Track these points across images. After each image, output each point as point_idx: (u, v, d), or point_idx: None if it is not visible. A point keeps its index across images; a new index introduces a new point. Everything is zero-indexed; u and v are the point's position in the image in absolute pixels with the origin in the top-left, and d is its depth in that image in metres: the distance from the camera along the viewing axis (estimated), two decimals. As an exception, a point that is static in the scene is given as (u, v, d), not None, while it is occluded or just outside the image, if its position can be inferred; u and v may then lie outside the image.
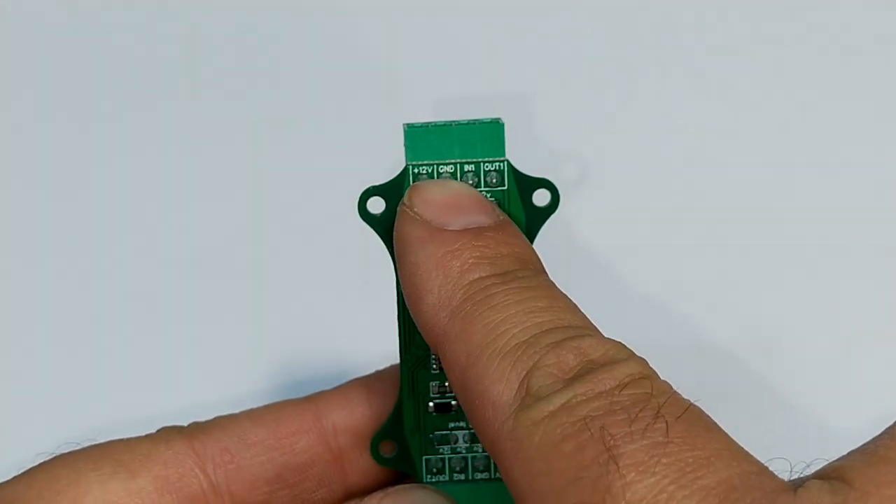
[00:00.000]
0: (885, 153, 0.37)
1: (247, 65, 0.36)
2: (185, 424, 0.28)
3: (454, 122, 0.27)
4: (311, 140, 0.36)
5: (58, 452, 0.26)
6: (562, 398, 0.19)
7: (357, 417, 0.28)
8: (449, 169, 0.26)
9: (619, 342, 0.21)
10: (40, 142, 0.36)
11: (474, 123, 0.26)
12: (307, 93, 0.36)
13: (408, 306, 0.24)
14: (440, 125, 0.26)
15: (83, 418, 0.32)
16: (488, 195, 0.26)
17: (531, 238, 0.27)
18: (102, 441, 0.27)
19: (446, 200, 0.25)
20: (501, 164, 0.26)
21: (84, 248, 0.35)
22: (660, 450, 0.18)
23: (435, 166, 0.26)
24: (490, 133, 0.26)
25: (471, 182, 0.26)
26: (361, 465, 0.28)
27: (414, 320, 0.24)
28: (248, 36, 0.37)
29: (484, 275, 0.23)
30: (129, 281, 0.35)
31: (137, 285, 0.35)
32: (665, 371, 0.20)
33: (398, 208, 0.25)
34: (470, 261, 0.23)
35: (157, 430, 0.27)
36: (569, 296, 0.23)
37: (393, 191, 0.27)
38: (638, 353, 0.21)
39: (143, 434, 0.27)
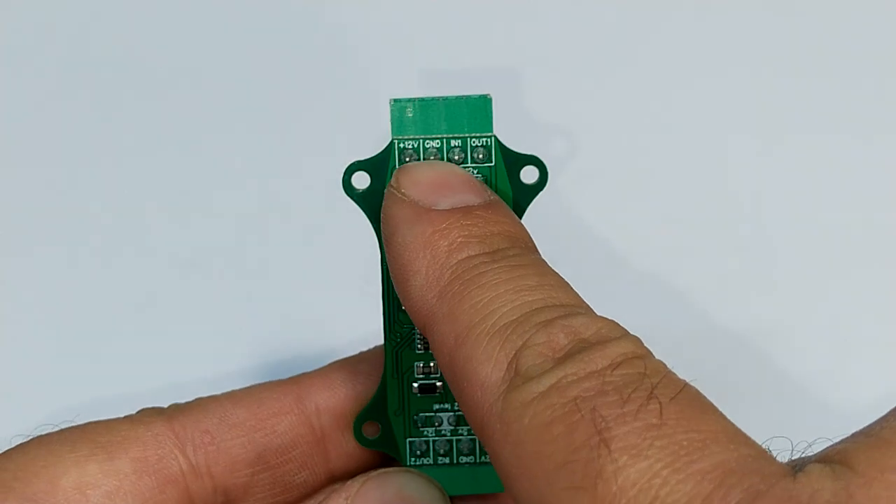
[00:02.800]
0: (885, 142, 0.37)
1: (227, 45, 0.36)
2: (166, 406, 0.27)
3: (441, 97, 0.26)
4: (295, 117, 0.35)
5: (35, 434, 0.26)
6: (552, 378, 0.19)
7: (340, 399, 0.27)
8: (435, 144, 0.26)
9: (612, 320, 0.20)
10: (26, 139, 0.36)
11: (462, 98, 0.26)
12: (292, 70, 0.36)
13: (395, 288, 0.24)
14: (427, 100, 0.26)
15: (61, 400, 0.32)
16: (475, 171, 0.26)
17: (519, 215, 0.26)
18: (81, 423, 0.26)
19: (434, 180, 0.24)
20: (489, 140, 0.26)
21: (60, 230, 0.35)
22: (653, 432, 0.17)
23: (421, 141, 0.26)
24: (477, 108, 0.26)
25: (457, 158, 0.26)
26: (344, 448, 0.27)
27: (402, 302, 0.23)
28: (229, 16, 0.36)
29: (472, 254, 0.22)
30: (110, 262, 0.34)
31: (118, 266, 0.34)
32: (660, 352, 0.20)
33: (386, 190, 0.24)
34: (458, 240, 0.22)
35: (137, 412, 0.27)
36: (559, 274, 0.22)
37: (378, 166, 0.26)
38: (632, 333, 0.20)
39: (123, 415, 0.27)
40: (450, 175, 0.24)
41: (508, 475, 0.19)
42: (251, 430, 0.27)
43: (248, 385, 0.28)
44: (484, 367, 0.20)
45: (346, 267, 0.33)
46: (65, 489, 0.25)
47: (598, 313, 0.21)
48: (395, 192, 0.24)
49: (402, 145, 0.26)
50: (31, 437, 0.26)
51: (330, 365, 0.28)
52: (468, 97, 0.26)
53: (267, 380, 0.28)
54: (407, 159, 0.26)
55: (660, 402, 0.18)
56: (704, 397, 0.19)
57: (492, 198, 0.24)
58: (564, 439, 0.18)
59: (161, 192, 0.35)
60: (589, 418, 0.18)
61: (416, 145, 0.26)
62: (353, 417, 0.27)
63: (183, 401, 0.27)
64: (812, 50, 0.36)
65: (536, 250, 0.23)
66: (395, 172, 0.25)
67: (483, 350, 0.20)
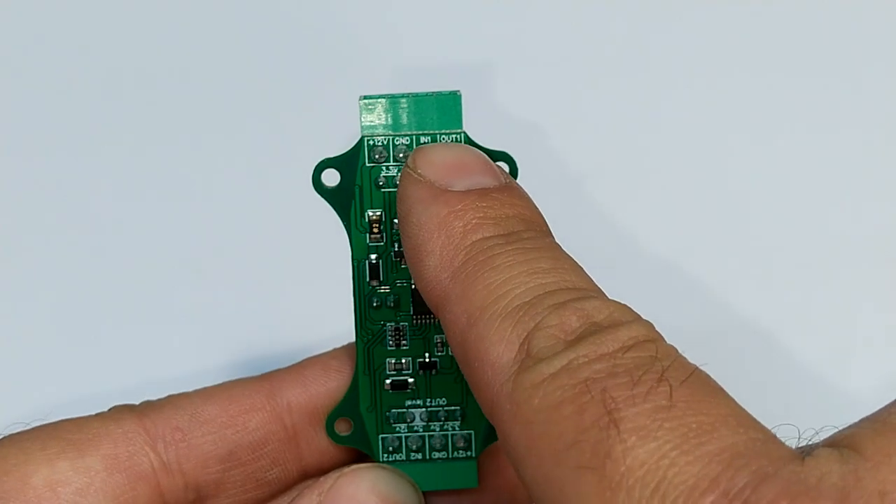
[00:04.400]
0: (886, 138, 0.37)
1: (204, 45, 0.35)
2: (137, 403, 0.27)
3: (411, 93, 0.26)
4: (267, 116, 0.35)
5: (5, 433, 0.26)
6: (563, 360, 0.19)
7: (312, 395, 0.27)
8: (405, 141, 0.26)
9: (624, 304, 0.21)
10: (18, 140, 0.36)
11: (431, 95, 0.26)
12: (264, 69, 0.35)
13: (409, 268, 0.23)
14: (396, 97, 0.26)
15: (32, 399, 0.32)
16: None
17: None
18: (52, 421, 0.26)
19: (451, 162, 0.24)
20: (459, 137, 0.26)
21: (33, 225, 0.34)
22: (662, 414, 0.17)
23: (391, 138, 0.26)
24: (447, 105, 0.26)
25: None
26: (317, 445, 0.27)
27: (415, 282, 0.23)
28: (204, 16, 0.36)
29: (487, 235, 0.22)
30: (81, 258, 0.34)
31: (91, 262, 0.34)
32: (671, 339, 0.20)
33: (402, 170, 0.24)
34: (473, 221, 0.22)
35: (109, 409, 0.27)
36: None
37: (347, 163, 0.26)
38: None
39: (94, 413, 0.27)
40: (466, 157, 0.24)
41: (517, 456, 0.19)
42: (222, 426, 0.27)
43: (220, 382, 0.28)
44: (495, 348, 0.20)
45: (318, 264, 0.33)
46: (35, 487, 0.25)
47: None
48: (410, 172, 0.24)
49: (371, 142, 0.26)
50: (1, 436, 0.26)
51: (302, 362, 0.28)
52: (438, 93, 0.26)
53: (239, 376, 0.28)
54: (376, 157, 0.26)
55: (670, 385, 0.18)
56: (714, 381, 0.19)
57: (507, 181, 0.24)
58: (574, 420, 0.18)
59: (134, 189, 0.35)
60: (599, 399, 0.18)
61: (385, 142, 0.26)
62: (326, 414, 0.27)
63: (156, 398, 0.27)
64: (809, 47, 0.36)
65: (551, 234, 0.23)
66: (412, 153, 0.24)
67: (495, 331, 0.20)
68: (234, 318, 0.34)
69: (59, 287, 0.34)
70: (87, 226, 0.34)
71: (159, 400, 0.27)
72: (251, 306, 0.34)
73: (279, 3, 0.35)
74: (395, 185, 0.26)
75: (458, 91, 0.26)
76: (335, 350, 0.28)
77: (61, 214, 0.35)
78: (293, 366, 0.28)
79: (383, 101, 0.26)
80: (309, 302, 0.34)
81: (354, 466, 0.26)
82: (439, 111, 0.26)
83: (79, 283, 0.34)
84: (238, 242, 0.35)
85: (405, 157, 0.26)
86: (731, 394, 0.18)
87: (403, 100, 0.26)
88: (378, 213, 0.26)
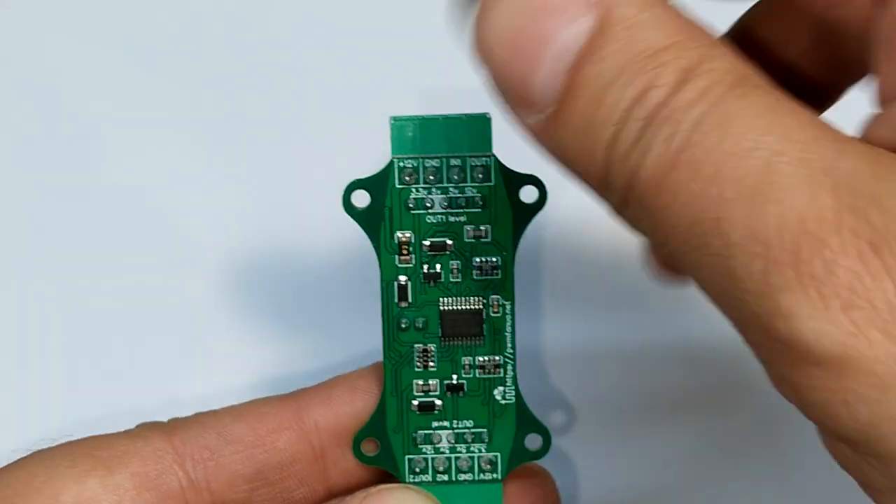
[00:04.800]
0: None
1: (227, 57, 0.36)
2: (165, 420, 0.27)
3: (442, 115, 0.26)
4: (296, 131, 0.35)
5: (34, 449, 0.26)
6: None
7: (339, 416, 0.27)
8: (434, 163, 0.26)
9: None
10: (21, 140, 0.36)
11: (462, 117, 0.26)
12: (292, 86, 0.35)
13: None
14: (427, 118, 0.26)
15: (60, 414, 0.32)
16: (475, 191, 0.26)
17: (517, 236, 0.26)
18: (79, 437, 0.26)
19: None
20: (488, 160, 0.26)
21: (58, 240, 0.34)
22: None
23: (420, 160, 0.26)
24: (477, 127, 0.26)
25: (456, 177, 0.26)
26: (343, 465, 0.27)
27: None
28: (230, 28, 0.36)
29: None
30: (108, 273, 0.34)
31: (116, 278, 0.34)
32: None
33: None
34: None
35: (136, 426, 0.27)
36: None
37: (377, 184, 0.26)
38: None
39: (122, 430, 0.27)
40: None
41: None
42: (250, 445, 0.27)
43: (247, 400, 0.28)
44: None
45: (345, 283, 0.33)
46: None
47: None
48: None
49: (401, 164, 0.26)
50: (30, 452, 0.26)
51: (329, 381, 0.28)
52: (468, 116, 0.26)
53: (266, 393, 0.28)
54: (406, 178, 0.26)
55: None
56: None
57: None
58: None
59: (161, 207, 0.35)
60: None
61: (415, 164, 0.26)
62: (352, 434, 0.27)
63: (182, 415, 0.27)
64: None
65: None
66: None
67: None
68: (261, 335, 0.34)
69: (86, 303, 0.34)
70: (117, 240, 0.35)
71: (187, 418, 0.27)
72: (278, 324, 0.34)
73: (311, 26, 0.35)
74: (425, 208, 0.26)
75: (489, 113, 0.26)
76: (362, 370, 0.28)
77: (95, 233, 0.35)
78: (320, 385, 0.28)
79: (413, 122, 0.26)
80: (336, 320, 0.34)
81: (381, 487, 0.26)
82: (469, 133, 0.26)
83: (106, 299, 0.34)
84: (267, 260, 0.35)
85: (435, 179, 0.26)
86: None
87: (434, 121, 0.26)
88: (408, 235, 0.26)
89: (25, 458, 0.26)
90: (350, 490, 0.27)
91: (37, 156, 0.35)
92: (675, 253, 0.19)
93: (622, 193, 0.19)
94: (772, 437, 0.32)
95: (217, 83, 0.35)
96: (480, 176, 0.26)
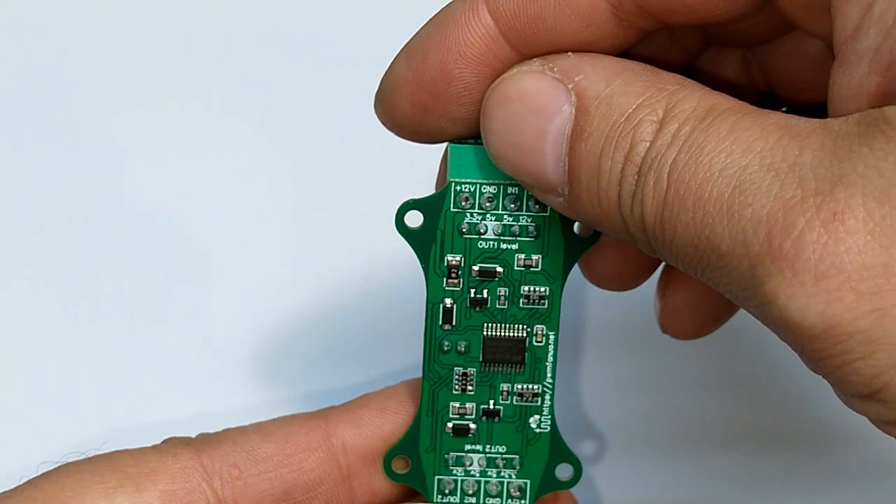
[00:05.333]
0: None
1: (244, 61, 0.34)
2: (192, 435, 0.27)
3: None
4: (348, 151, 0.34)
5: (62, 462, 0.25)
6: None
7: (368, 437, 0.27)
8: (492, 189, 0.26)
9: None
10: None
11: None
12: (325, 97, 0.35)
13: None
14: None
15: (87, 426, 0.31)
16: (529, 220, 0.26)
17: (568, 268, 0.26)
18: (107, 451, 0.26)
19: None
20: None
21: (87, 251, 0.33)
22: None
23: (478, 185, 0.26)
24: None
25: (512, 206, 0.26)
26: (370, 486, 0.27)
27: None
28: (265, 36, 0.35)
29: None
30: (134, 286, 0.33)
31: (143, 290, 0.33)
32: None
33: None
34: None
35: (163, 442, 0.26)
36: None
37: (432, 206, 0.26)
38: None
39: (149, 445, 0.26)
40: None
41: None
42: (279, 465, 0.26)
43: (274, 417, 0.27)
44: None
45: (372, 299, 0.33)
46: None
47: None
48: None
49: (458, 188, 0.26)
50: (58, 465, 0.25)
51: (357, 400, 0.28)
52: None
53: (292, 412, 0.28)
54: (462, 203, 0.26)
55: None
56: None
57: None
58: None
59: (194, 218, 0.34)
60: None
61: (472, 189, 0.26)
62: (381, 455, 0.27)
63: (207, 430, 0.27)
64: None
65: None
66: None
67: None
68: (286, 347, 0.34)
69: (116, 316, 0.33)
70: (143, 252, 0.34)
71: (216, 434, 0.27)
72: (303, 335, 0.34)
73: (355, 38, 0.35)
74: (478, 233, 0.26)
75: None
76: (391, 389, 0.28)
77: (126, 236, 0.34)
78: (349, 404, 0.28)
79: (473, 147, 0.25)
80: (364, 338, 0.33)
81: None
82: None
83: (133, 313, 0.34)
84: (293, 275, 0.34)
85: (491, 205, 0.26)
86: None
87: None
88: (458, 259, 0.26)
89: (53, 471, 0.25)
90: None
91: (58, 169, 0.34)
92: (700, 278, 0.21)
93: (644, 240, 0.22)
94: (808, 470, 0.33)
95: (230, 87, 0.34)
96: (536, 206, 0.26)
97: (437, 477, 0.27)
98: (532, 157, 0.23)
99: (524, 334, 0.26)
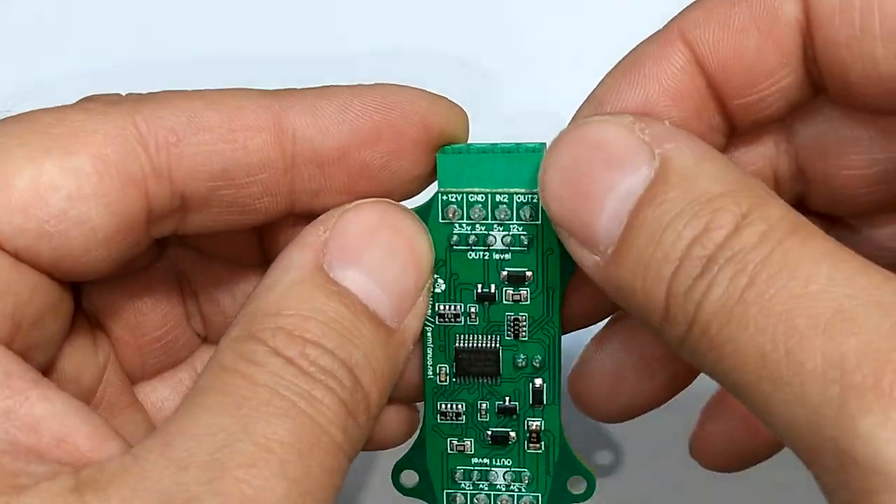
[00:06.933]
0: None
1: (233, 52, 0.34)
2: (121, 95, 0.23)
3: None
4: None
5: None
6: None
7: (321, 130, 0.24)
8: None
9: None
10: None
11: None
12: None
13: None
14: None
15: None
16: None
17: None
18: (22, 111, 0.22)
19: None
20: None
21: None
22: None
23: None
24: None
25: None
26: (310, 185, 0.24)
27: None
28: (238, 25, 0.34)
29: None
30: None
31: None
32: None
33: None
34: None
35: (85, 99, 0.23)
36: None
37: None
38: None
39: (71, 104, 0.23)
40: None
41: None
42: (221, 138, 0.23)
43: (223, 88, 0.24)
44: None
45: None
46: (21, 190, 0.21)
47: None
48: None
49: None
50: None
51: (319, 89, 0.24)
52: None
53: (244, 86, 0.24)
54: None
55: None
56: None
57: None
58: None
59: None
60: None
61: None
62: (333, 154, 0.24)
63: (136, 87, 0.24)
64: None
65: None
66: None
67: None
68: None
69: None
70: None
71: (151, 95, 0.23)
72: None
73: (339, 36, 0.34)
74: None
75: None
76: (360, 88, 0.24)
77: None
78: (308, 91, 0.24)
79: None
80: None
81: (359, 202, 0.24)
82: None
83: None
84: None
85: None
86: None
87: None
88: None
89: None
90: (314, 212, 0.25)
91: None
92: (739, 386, 0.20)
93: (685, 326, 0.20)
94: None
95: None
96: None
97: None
98: (589, 205, 0.22)
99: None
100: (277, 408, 0.20)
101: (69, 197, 0.22)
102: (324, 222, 0.24)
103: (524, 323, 0.25)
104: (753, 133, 0.25)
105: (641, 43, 0.24)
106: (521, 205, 0.25)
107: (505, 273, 0.25)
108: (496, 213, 0.25)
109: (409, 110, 0.24)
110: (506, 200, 0.25)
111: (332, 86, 0.24)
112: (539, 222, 0.25)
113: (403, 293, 0.24)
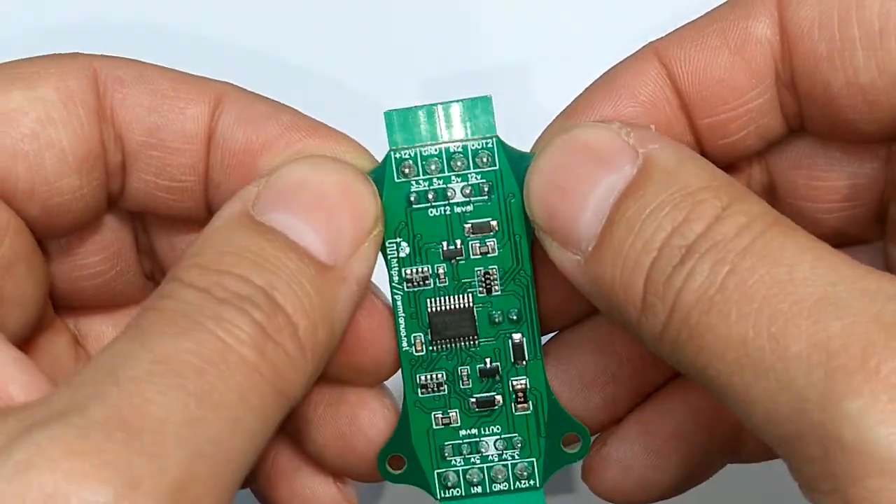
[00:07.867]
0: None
1: (222, 50, 0.34)
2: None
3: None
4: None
5: None
6: None
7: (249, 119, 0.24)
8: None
9: None
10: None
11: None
12: (290, 76, 0.34)
13: None
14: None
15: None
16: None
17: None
18: None
19: None
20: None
21: None
22: None
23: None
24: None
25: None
26: (221, 175, 0.25)
27: None
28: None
29: None
30: None
31: None
32: None
33: None
34: None
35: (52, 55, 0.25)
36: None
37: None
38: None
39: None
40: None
41: None
42: (163, 96, 0.24)
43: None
44: None
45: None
46: None
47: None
48: None
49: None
50: None
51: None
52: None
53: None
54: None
55: None
56: None
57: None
58: None
59: None
60: None
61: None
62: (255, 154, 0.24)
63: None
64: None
65: None
66: None
67: None
68: None
69: None
70: None
71: (112, 56, 0.25)
72: None
73: (309, 19, 0.34)
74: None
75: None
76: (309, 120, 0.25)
77: None
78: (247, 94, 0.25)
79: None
80: None
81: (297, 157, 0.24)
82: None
83: None
84: None
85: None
86: None
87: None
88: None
89: None
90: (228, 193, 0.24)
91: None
92: (719, 377, 0.19)
93: (664, 316, 0.20)
94: None
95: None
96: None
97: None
98: (571, 202, 0.22)
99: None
100: (181, 328, 0.20)
101: (39, 120, 0.23)
102: (258, 180, 0.23)
103: (495, 276, 0.24)
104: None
105: (619, 62, 0.25)
106: (476, 152, 0.24)
107: (469, 225, 0.24)
108: (452, 163, 0.24)
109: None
110: (460, 149, 0.24)
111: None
112: (497, 167, 0.24)
113: (338, 233, 0.23)
